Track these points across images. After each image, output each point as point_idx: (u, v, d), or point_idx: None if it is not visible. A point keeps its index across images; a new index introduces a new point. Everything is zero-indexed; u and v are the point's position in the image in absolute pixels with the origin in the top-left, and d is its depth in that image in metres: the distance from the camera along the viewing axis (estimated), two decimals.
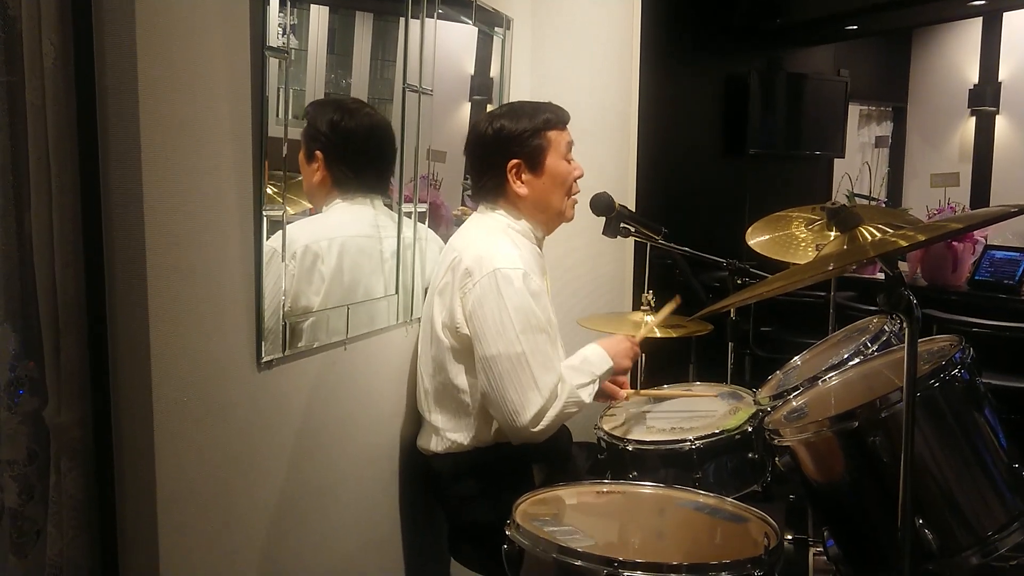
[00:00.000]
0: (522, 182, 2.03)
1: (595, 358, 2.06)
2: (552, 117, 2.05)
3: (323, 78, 1.93)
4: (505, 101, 2.51)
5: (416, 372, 2.08)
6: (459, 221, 2.29)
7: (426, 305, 2.07)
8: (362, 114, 1.98)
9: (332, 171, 1.89)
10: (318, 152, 1.87)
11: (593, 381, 2.01)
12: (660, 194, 4.08)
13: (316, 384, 1.76)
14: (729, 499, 1.68)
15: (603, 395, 2.26)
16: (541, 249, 2.13)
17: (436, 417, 2.02)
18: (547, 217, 2.09)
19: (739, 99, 5.67)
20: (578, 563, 1.39)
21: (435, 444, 2.02)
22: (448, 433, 2.00)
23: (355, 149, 1.94)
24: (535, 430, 1.89)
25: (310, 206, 1.92)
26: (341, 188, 1.91)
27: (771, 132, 5.85)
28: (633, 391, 2.35)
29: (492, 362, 1.88)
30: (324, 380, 1.79)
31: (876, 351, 1.96)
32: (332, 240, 1.85)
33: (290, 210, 1.69)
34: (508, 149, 2.02)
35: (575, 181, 2.09)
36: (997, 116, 6.47)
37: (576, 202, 2.12)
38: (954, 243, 4.33)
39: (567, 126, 2.09)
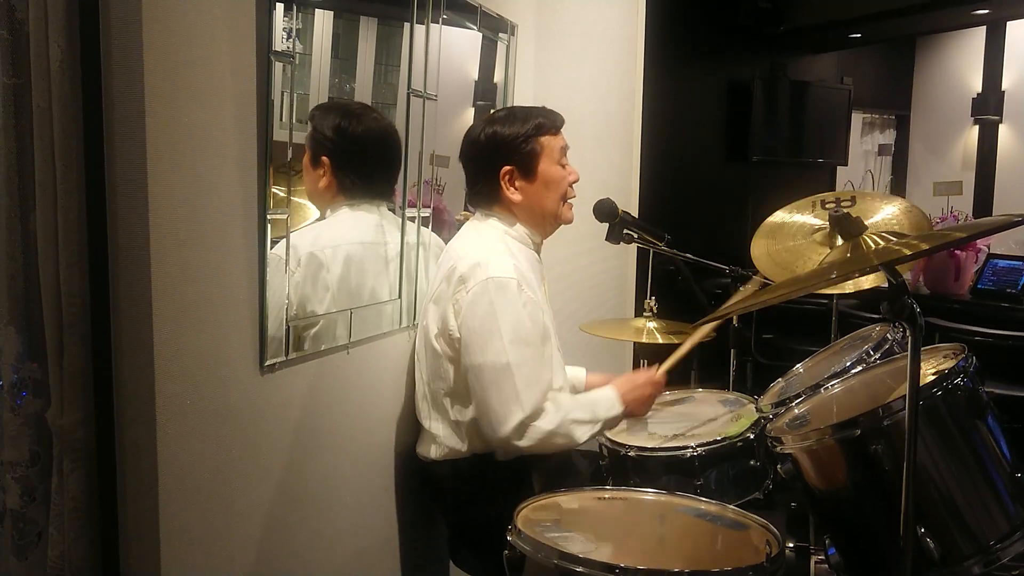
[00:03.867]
0: (515, 188, 2.01)
1: (603, 401, 2.00)
2: (545, 122, 2.03)
3: (327, 82, 1.93)
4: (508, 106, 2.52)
5: (416, 378, 2.08)
6: (461, 226, 2.29)
7: (422, 313, 2.06)
8: (369, 119, 1.96)
9: (338, 178, 1.88)
10: (324, 158, 1.85)
11: (593, 422, 1.96)
12: (663, 200, 4.09)
13: (319, 388, 1.76)
14: (731, 506, 1.68)
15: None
16: (539, 255, 2.12)
17: (433, 424, 2.01)
18: (543, 222, 2.08)
19: (742, 106, 5.67)
20: (579, 569, 1.39)
21: (433, 451, 2.01)
22: (445, 441, 1.99)
23: (362, 156, 1.92)
24: (517, 444, 1.87)
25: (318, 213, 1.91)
26: (347, 194, 1.90)
27: (774, 139, 5.86)
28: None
29: (478, 371, 1.87)
30: (326, 384, 1.79)
31: (878, 359, 1.96)
32: (337, 248, 1.84)
33: (297, 218, 1.69)
34: (501, 155, 2.00)
35: (570, 186, 2.08)
36: (1000, 125, 6.47)
37: (572, 205, 2.11)
38: (957, 252, 4.33)
39: (561, 131, 2.07)
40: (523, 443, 1.87)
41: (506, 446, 1.90)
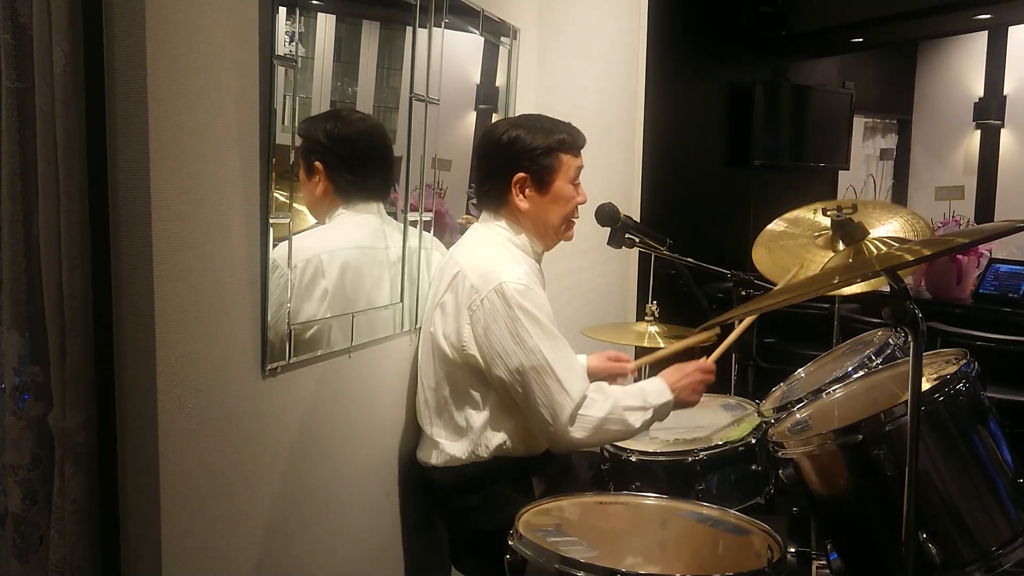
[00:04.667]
0: (524, 197, 2.01)
1: (652, 388, 1.99)
2: (568, 139, 2.02)
3: (329, 86, 1.93)
4: (511, 111, 2.52)
5: (417, 383, 2.08)
6: (463, 230, 2.29)
7: (426, 318, 2.05)
8: (355, 119, 1.97)
9: (334, 180, 1.88)
10: (317, 164, 1.85)
11: (644, 408, 1.94)
12: (664, 204, 4.09)
13: (320, 392, 1.76)
14: (732, 511, 1.68)
15: (611, 377, 2.19)
16: (540, 264, 2.12)
17: (436, 431, 2.01)
18: (545, 235, 2.07)
19: (744, 110, 5.68)
20: (580, 574, 1.39)
21: (435, 457, 2.00)
22: (447, 447, 1.98)
23: (354, 154, 1.92)
24: (575, 436, 1.87)
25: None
26: (344, 196, 1.90)
27: (776, 143, 5.86)
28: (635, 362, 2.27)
29: (518, 376, 1.87)
30: (328, 388, 1.79)
31: (880, 364, 1.96)
32: (333, 253, 1.84)
33: (299, 222, 1.69)
34: (518, 161, 2.00)
35: (576, 208, 2.07)
36: (1002, 129, 6.47)
37: (575, 224, 2.10)
38: (958, 256, 4.33)
39: (581, 152, 2.06)
40: (579, 434, 1.87)
41: (564, 440, 1.89)
